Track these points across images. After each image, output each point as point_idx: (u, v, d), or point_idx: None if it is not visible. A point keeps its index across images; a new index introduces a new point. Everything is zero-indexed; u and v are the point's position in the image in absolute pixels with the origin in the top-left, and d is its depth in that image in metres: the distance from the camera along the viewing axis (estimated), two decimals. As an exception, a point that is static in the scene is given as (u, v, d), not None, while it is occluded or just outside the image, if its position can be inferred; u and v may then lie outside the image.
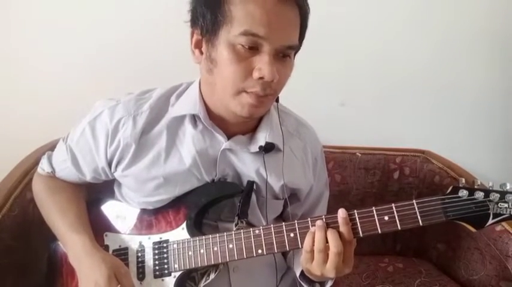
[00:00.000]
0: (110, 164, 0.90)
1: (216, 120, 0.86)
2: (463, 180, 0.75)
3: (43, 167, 0.99)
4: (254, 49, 0.74)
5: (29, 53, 1.41)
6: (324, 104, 1.56)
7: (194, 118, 0.87)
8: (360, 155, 1.51)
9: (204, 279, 0.87)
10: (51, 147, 1.04)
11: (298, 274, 0.89)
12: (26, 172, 1.14)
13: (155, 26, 1.42)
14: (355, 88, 1.59)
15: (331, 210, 1.06)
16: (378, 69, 1.57)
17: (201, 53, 0.81)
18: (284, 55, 0.77)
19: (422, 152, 1.53)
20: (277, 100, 0.89)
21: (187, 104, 0.87)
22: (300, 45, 0.83)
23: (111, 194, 1.00)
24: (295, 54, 0.83)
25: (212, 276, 0.86)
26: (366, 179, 1.51)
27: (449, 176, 1.41)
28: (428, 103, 1.63)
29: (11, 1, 1.37)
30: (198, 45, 0.81)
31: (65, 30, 1.40)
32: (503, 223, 1.20)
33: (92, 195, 1.01)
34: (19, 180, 1.11)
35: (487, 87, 1.63)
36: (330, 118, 1.55)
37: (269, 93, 0.77)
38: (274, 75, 0.74)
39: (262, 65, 0.73)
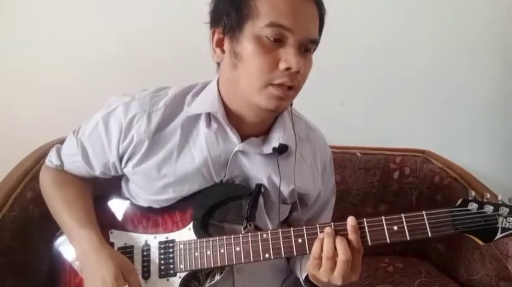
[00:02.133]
0: (121, 160, 0.89)
1: (233, 120, 0.86)
2: (473, 193, 0.75)
3: (51, 159, 0.98)
4: (279, 41, 0.75)
5: (30, 53, 1.40)
6: (324, 104, 1.56)
7: (209, 118, 0.87)
8: (360, 155, 1.51)
9: (209, 280, 0.87)
10: (51, 147, 1.03)
11: (302, 279, 0.89)
12: (26, 172, 1.13)
13: (156, 27, 1.42)
14: (355, 88, 1.59)
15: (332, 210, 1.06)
16: (378, 69, 1.58)
17: (223, 51, 0.81)
18: (306, 49, 0.78)
19: (423, 152, 1.53)
20: (290, 104, 0.89)
21: (204, 102, 0.87)
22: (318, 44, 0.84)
23: (117, 191, 0.99)
24: (313, 52, 0.84)
25: (217, 277, 0.86)
26: (366, 179, 1.51)
27: (450, 176, 1.42)
28: (429, 103, 1.64)
29: (12, 1, 1.37)
30: (219, 44, 0.82)
31: (66, 30, 1.40)
32: (504, 223, 1.20)
33: (98, 191, 1.00)
34: (19, 180, 1.10)
35: (487, 88, 1.64)
36: (330, 118, 1.55)
37: (295, 84, 0.78)
38: (301, 65, 0.75)
39: (289, 56, 0.75)
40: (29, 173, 1.13)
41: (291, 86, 0.78)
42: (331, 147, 1.46)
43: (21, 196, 1.08)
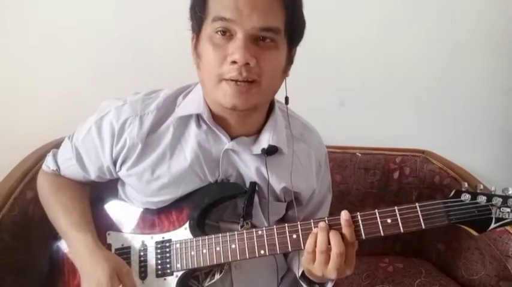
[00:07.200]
0: (115, 164, 0.90)
1: (219, 121, 0.86)
2: (466, 184, 0.75)
3: (48, 164, 0.99)
4: (229, 36, 0.75)
5: (29, 53, 1.40)
6: (324, 104, 1.56)
7: (199, 118, 0.87)
8: (360, 155, 1.51)
9: (208, 279, 0.87)
10: (51, 147, 1.04)
11: (299, 275, 0.89)
12: (26, 172, 1.14)
13: (155, 28, 1.42)
14: (355, 88, 1.59)
15: (332, 210, 1.07)
16: (378, 69, 1.57)
17: None
18: (264, 38, 0.76)
19: (422, 152, 1.53)
20: (286, 102, 0.89)
21: (192, 104, 0.87)
22: (296, 32, 0.81)
23: (114, 193, 1.00)
24: (292, 42, 0.82)
25: (217, 276, 0.86)
26: (366, 179, 1.51)
27: (449, 176, 1.42)
28: (428, 103, 1.63)
29: (12, 1, 1.37)
30: (195, 47, 0.83)
31: (66, 30, 1.40)
32: (503, 224, 1.20)
33: (95, 194, 1.01)
34: (19, 180, 1.11)
35: (486, 87, 1.64)
36: (330, 118, 1.55)
37: (251, 78, 0.76)
38: (247, 58, 0.73)
39: (234, 48, 0.74)
40: (29, 173, 1.13)
41: (253, 80, 0.76)
42: (331, 147, 1.47)
43: (21, 196, 1.09)
